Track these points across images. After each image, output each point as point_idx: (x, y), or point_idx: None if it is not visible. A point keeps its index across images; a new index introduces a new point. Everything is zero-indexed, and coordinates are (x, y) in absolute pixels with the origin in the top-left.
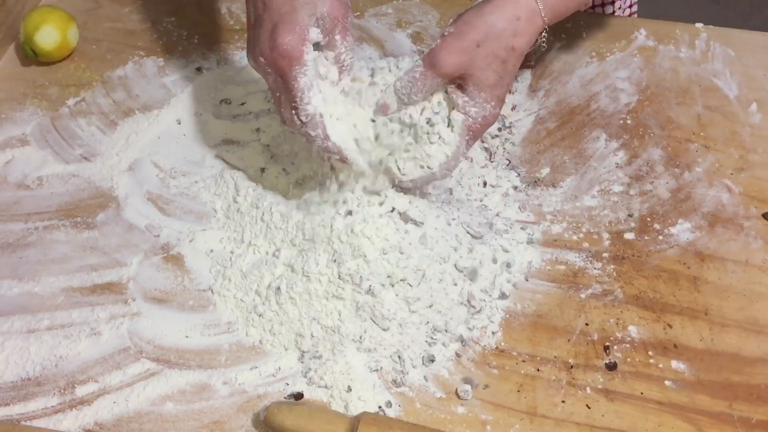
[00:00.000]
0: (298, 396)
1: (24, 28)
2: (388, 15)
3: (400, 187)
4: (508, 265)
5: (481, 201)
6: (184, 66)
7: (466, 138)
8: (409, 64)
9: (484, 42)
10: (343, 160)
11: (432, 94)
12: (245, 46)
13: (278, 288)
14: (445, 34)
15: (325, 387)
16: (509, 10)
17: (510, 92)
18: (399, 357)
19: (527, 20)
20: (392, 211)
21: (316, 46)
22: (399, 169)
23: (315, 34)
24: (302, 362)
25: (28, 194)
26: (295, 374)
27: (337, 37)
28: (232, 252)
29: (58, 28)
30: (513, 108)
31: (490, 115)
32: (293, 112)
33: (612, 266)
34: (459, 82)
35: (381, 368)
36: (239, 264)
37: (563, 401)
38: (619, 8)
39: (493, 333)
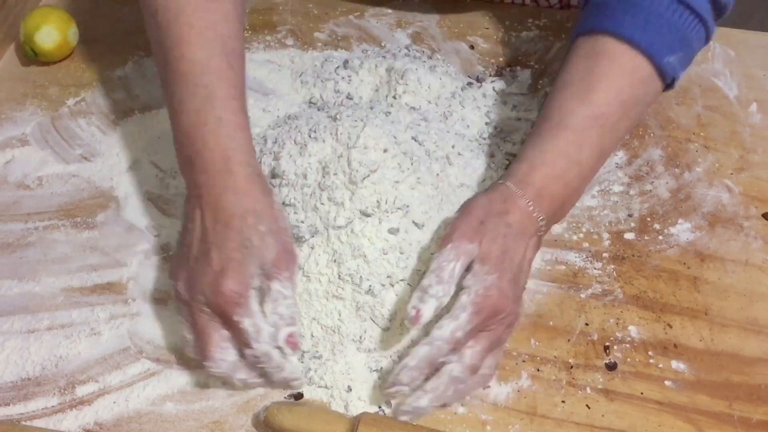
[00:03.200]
0: (298, 396)
1: (24, 28)
2: (388, 15)
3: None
4: None
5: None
6: None
7: (469, 312)
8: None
9: (486, 218)
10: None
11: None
12: (246, 46)
13: None
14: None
15: (325, 387)
16: (498, 190)
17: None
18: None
19: (512, 201)
20: (393, 212)
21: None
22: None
23: (257, 282)
24: (302, 362)
25: (28, 194)
26: None
27: (276, 285)
28: None
29: (58, 28)
30: (513, 108)
31: (492, 286)
32: (243, 349)
33: (612, 266)
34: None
35: (381, 368)
36: None
37: (563, 401)
38: None
39: None
